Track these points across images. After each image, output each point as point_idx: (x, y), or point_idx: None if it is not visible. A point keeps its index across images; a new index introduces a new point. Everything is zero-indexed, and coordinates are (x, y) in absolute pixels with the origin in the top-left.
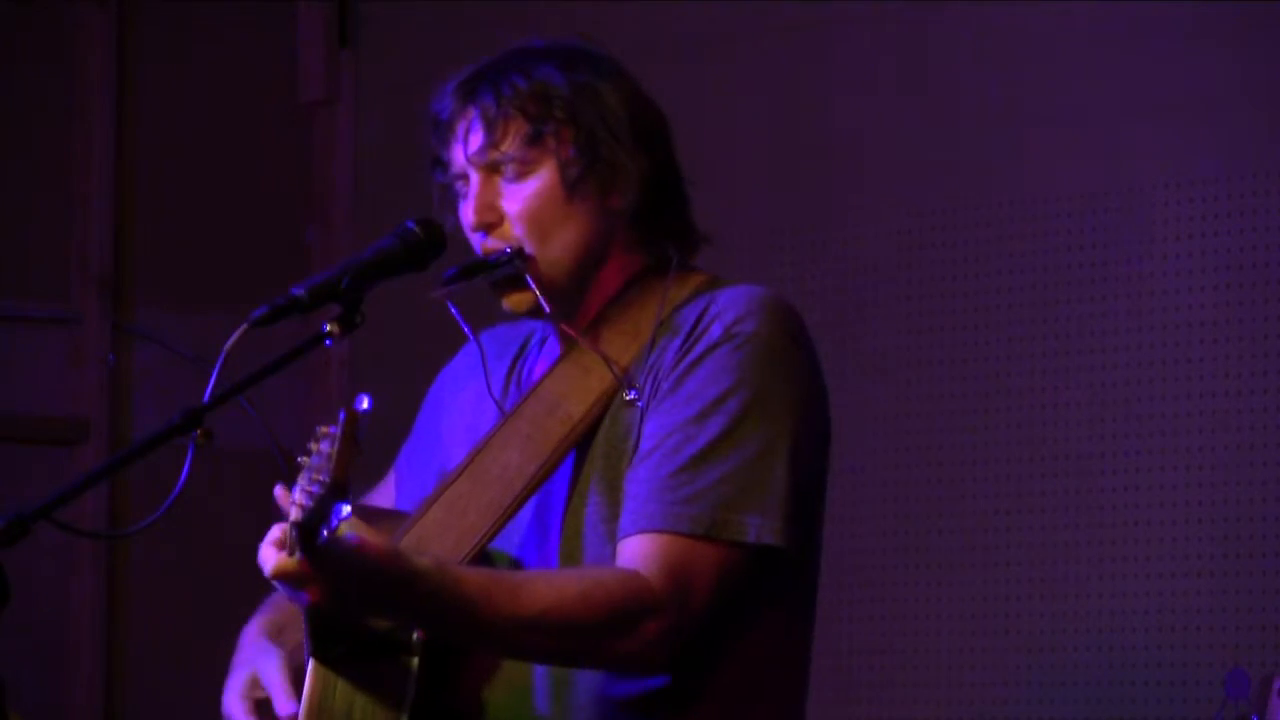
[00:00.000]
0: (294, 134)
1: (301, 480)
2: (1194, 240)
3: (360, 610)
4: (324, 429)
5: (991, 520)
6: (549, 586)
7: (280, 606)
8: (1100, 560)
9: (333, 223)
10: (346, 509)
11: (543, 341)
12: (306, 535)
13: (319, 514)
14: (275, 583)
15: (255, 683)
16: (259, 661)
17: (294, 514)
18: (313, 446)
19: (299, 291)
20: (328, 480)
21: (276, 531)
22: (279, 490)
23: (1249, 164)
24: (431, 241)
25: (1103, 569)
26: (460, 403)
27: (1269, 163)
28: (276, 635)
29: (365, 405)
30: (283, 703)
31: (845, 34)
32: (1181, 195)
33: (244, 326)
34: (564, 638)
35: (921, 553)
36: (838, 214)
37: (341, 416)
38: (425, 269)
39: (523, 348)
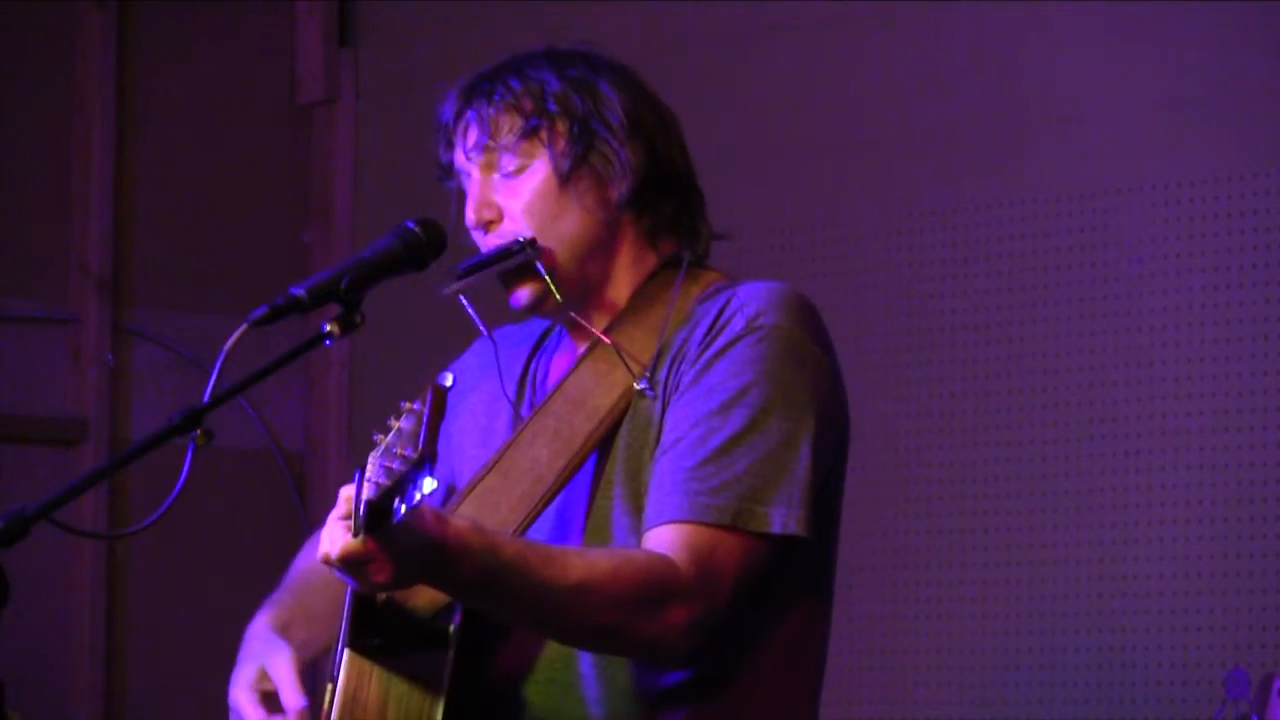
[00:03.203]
0: (294, 134)
1: (377, 457)
2: (1193, 240)
3: (414, 583)
4: (408, 405)
5: (992, 520)
6: (582, 560)
7: (285, 604)
8: (1100, 560)
9: (333, 223)
10: (432, 483)
11: (558, 342)
12: (378, 514)
13: (399, 487)
14: (336, 568)
15: (263, 675)
16: (267, 655)
17: (368, 491)
18: (392, 424)
19: (299, 291)
20: (415, 454)
21: (340, 523)
22: (344, 491)
23: (1249, 164)
24: (431, 241)
25: (1102, 569)
26: (471, 404)
27: (1269, 163)
28: (283, 631)
29: (449, 383)
30: (291, 696)
31: (845, 34)
32: (1180, 195)
33: (244, 326)
34: (592, 612)
35: (920, 553)
36: (838, 214)
37: (430, 395)
38: (425, 269)
39: (535, 349)
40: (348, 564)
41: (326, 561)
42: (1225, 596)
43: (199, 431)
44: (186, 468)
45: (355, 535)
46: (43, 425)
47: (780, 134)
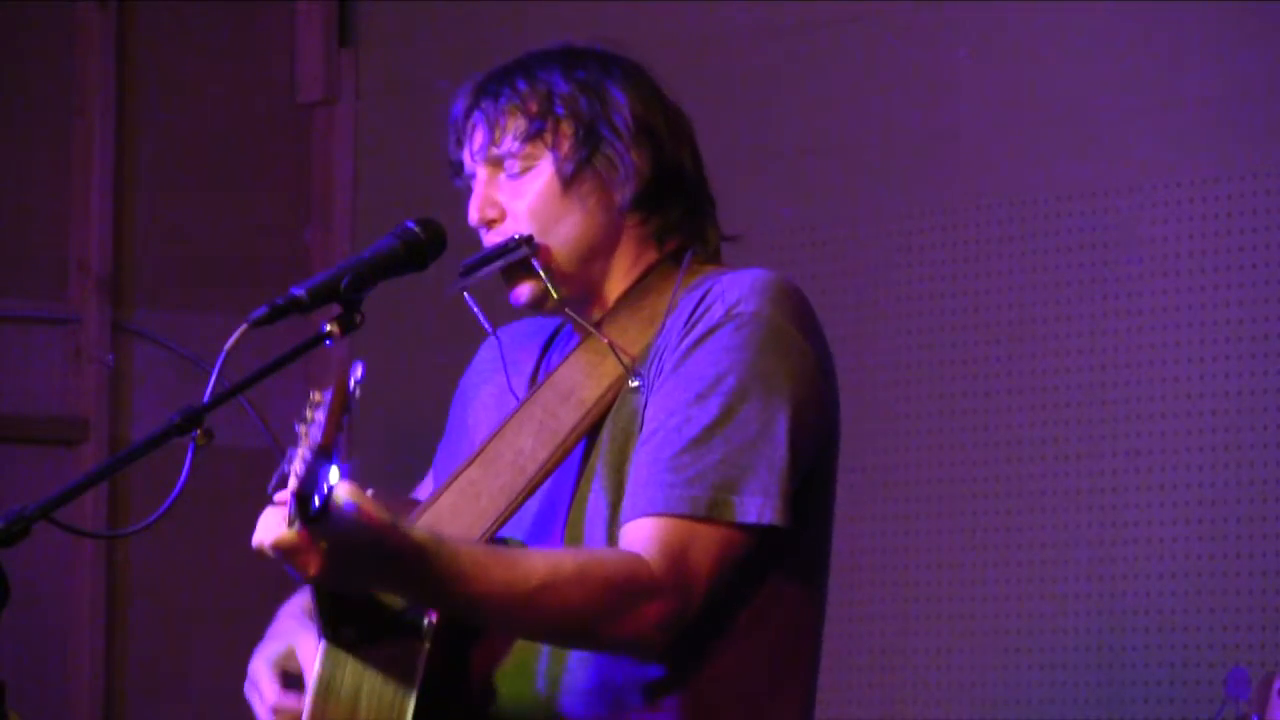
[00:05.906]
0: (294, 134)
1: (298, 449)
2: (1194, 240)
3: (359, 583)
4: (318, 395)
5: (991, 520)
6: (545, 563)
7: None
8: (1099, 560)
9: (333, 223)
10: (335, 473)
11: (568, 339)
12: (302, 504)
13: (310, 481)
14: (275, 556)
15: (290, 655)
16: (299, 637)
17: (292, 482)
18: (308, 414)
19: (299, 291)
20: (315, 444)
21: (276, 509)
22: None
23: (1249, 164)
24: (431, 241)
25: (1102, 569)
26: (483, 397)
27: (1269, 163)
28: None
29: (359, 374)
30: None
31: (845, 34)
32: (1182, 195)
33: (244, 326)
34: (559, 616)
35: (921, 553)
36: (838, 214)
37: (333, 386)
38: (425, 269)
39: (547, 345)
40: (279, 553)
41: (259, 548)
42: (1225, 596)
43: (199, 431)
44: (186, 468)
45: (290, 525)
46: (43, 425)
47: (780, 134)
